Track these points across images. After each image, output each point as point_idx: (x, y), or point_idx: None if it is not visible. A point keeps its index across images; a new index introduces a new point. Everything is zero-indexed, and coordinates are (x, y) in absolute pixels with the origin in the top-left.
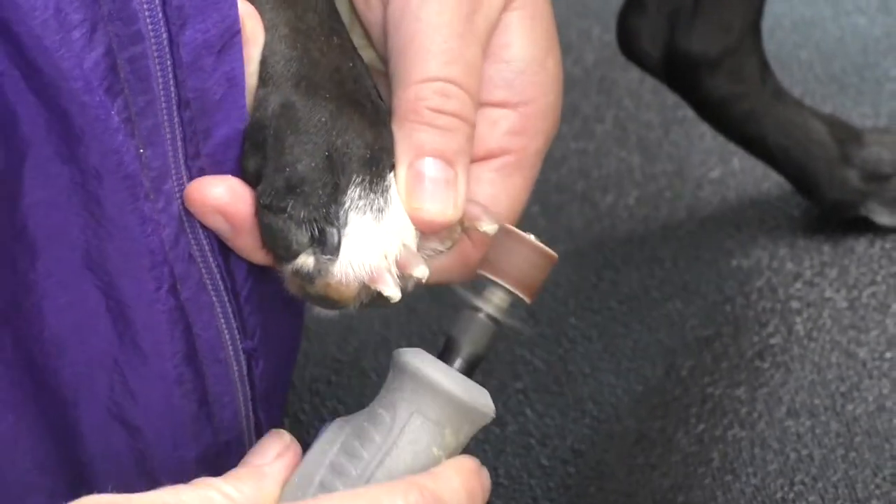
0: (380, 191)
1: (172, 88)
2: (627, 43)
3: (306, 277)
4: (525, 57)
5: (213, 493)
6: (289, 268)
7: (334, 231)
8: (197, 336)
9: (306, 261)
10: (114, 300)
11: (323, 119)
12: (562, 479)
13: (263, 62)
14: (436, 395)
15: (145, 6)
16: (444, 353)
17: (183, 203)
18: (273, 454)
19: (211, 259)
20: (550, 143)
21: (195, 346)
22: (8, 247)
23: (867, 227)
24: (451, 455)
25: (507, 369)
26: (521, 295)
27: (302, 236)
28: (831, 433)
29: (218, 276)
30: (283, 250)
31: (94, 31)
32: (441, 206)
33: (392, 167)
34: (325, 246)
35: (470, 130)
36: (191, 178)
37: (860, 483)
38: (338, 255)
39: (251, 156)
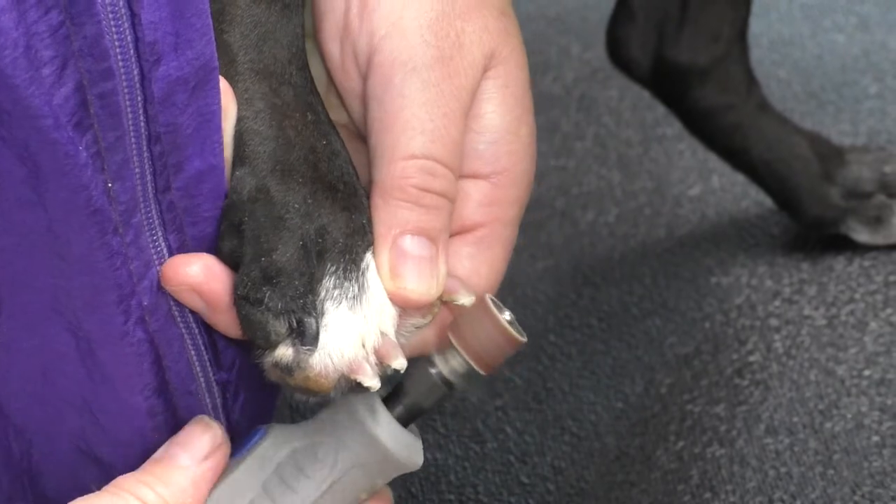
0: (354, 278)
1: (143, 123)
2: (616, 52)
3: (286, 369)
4: (497, 127)
5: (129, 499)
6: (268, 359)
7: (312, 321)
8: (167, 368)
9: (285, 352)
10: (83, 339)
11: (297, 206)
12: (541, 496)
13: (239, 139)
14: (379, 456)
15: (117, 43)
16: (391, 398)
17: (153, 234)
18: (202, 453)
19: None
20: (524, 209)
21: (165, 379)
22: None
23: (846, 245)
24: (371, 495)
25: (486, 386)
26: (477, 368)
27: (280, 327)
28: (810, 451)
29: (187, 309)
30: (262, 341)
31: (65, 67)
32: (426, 286)
33: (368, 248)
34: (304, 337)
35: (451, 208)
36: (161, 212)
37: (838, 500)
38: (316, 345)
39: (227, 238)
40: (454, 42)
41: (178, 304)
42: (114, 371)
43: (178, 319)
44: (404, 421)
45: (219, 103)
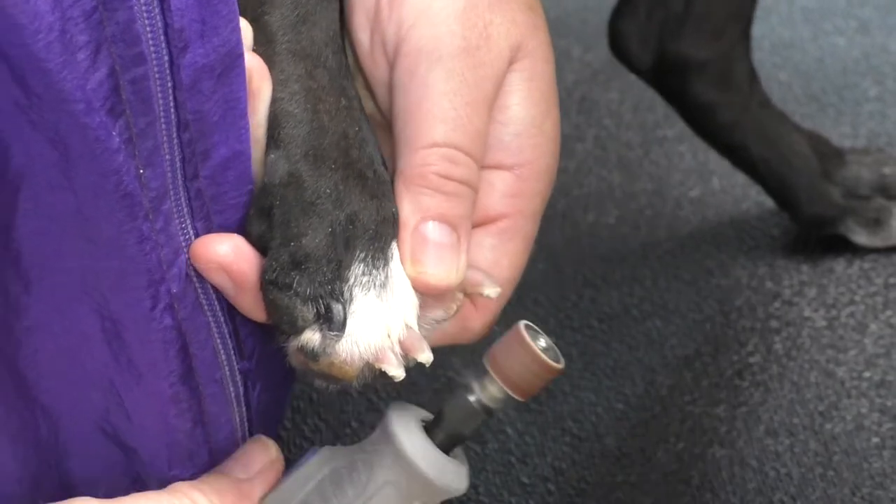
0: (381, 265)
1: (172, 110)
2: (617, 45)
3: (311, 354)
4: (523, 119)
5: (185, 501)
6: (294, 343)
7: (340, 308)
8: (193, 356)
9: (312, 337)
10: (109, 321)
11: (328, 191)
12: (542, 497)
13: (273, 120)
14: (412, 474)
15: (148, 29)
16: (432, 425)
17: (182, 222)
18: (257, 468)
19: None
20: (546, 203)
21: (192, 366)
22: (1, 272)
23: (846, 247)
24: None
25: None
26: (514, 395)
27: (307, 312)
28: (810, 452)
29: (214, 297)
30: (288, 326)
31: (99, 52)
32: (445, 271)
33: (394, 238)
34: (332, 323)
35: (473, 196)
36: (189, 199)
37: (838, 502)
38: (343, 332)
39: (256, 221)
40: (481, 33)
41: (206, 292)
42: (140, 356)
43: (206, 307)
44: (445, 447)
45: (244, 91)
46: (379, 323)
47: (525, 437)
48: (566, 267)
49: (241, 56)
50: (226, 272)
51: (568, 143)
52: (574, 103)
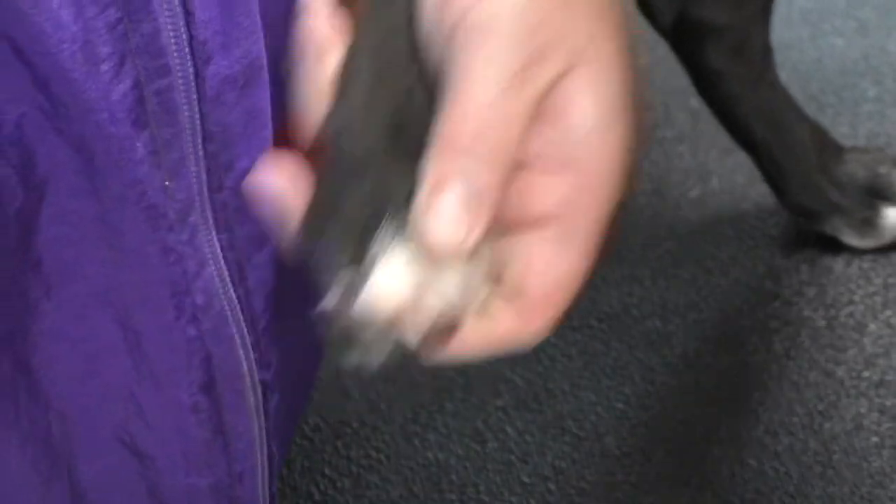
0: (409, 226)
1: (198, 121)
2: (642, 1)
3: (342, 302)
4: (584, 124)
5: None
6: (329, 293)
7: (374, 256)
8: (216, 367)
9: (342, 283)
10: (131, 331)
11: (376, 149)
12: (542, 496)
13: (344, 73)
14: None
15: (173, 41)
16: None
17: (208, 234)
18: None
19: (232, 291)
20: (609, 212)
21: (214, 377)
22: (21, 276)
23: (844, 247)
24: None
25: (487, 387)
26: None
27: (341, 260)
28: (809, 451)
29: (238, 308)
30: (323, 273)
31: (123, 64)
32: (454, 231)
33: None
34: (361, 275)
35: (504, 170)
36: (214, 211)
37: (838, 500)
38: (371, 285)
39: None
40: (543, 24)
41: (231, 303)
42: (161, 366)
43: (230, 319)
44: None
45: (267, 102)
46: (405, 282)
47: (525, 437)
48: None
49: (262, 68)
50: (275, 202)
51: None
52: None
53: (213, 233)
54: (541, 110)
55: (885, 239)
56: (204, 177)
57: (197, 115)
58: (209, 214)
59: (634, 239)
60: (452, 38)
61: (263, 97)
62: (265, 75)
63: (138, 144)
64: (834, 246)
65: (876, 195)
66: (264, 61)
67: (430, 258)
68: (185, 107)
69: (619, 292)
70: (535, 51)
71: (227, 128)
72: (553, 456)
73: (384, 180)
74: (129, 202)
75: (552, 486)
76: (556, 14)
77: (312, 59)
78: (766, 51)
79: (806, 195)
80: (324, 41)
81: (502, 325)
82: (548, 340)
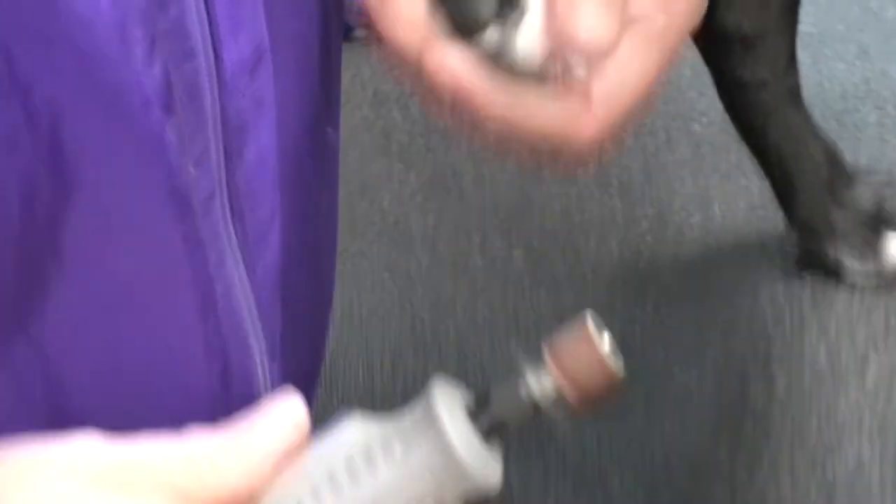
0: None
1: (217, 107)
2: None
3: (492, 53)
4: None
5: (203, 466)
6: (474, 41)
7: (521, 6)
8: (232, 361)
9: (492, 33)
10: (150, 319)
11: None
12: None
13: None
14: (450, 461)
15: (196, 23)
16: (476, 408)
17: (226, 223)
18: (284, 428)
19: (247, 282)
20: (689, 28)
21: (230, 371)
22: (44, 264)
23: (846, 280)
24: None
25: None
26: (566, 394)
27: (490, 6)
28: (812, 492)
29: (253, 303)
30: (471, 22)
31: (153, 47)
32: (595, 22)
33: None
34: (512, 8)
35: None
36: (231, 198)
37: None
38: (522, 30)
39: None
40: None
41: (248, 299)
42: (179, 355)
43: (246, 313)
44: (485, 432)
45: (271, 90)
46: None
47: (525, 479)
48: (567, 293)
49: (266, 52)
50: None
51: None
52: None
53: (230, 220)
54: None
55: (885, 264)
56: (222, 164)
57: (217, 101)
58: (226, 202)
59: (636, 266)
60: None
61: (268, 84)
62: (269, 62)
63: (167, 130)
64: (836, 276)
65: (880, 220)
66: (268, 45)
67: (569, 52)
68: (208, 92)
69: (620, 322)
70: None
71: (239, 113)
72: (555, 500)
73: None
74: (155, 189)
75: None
76: None
77: None
78: (791, 56)
79: (811, 211)
80: None
81: (562, 110)
82: None
